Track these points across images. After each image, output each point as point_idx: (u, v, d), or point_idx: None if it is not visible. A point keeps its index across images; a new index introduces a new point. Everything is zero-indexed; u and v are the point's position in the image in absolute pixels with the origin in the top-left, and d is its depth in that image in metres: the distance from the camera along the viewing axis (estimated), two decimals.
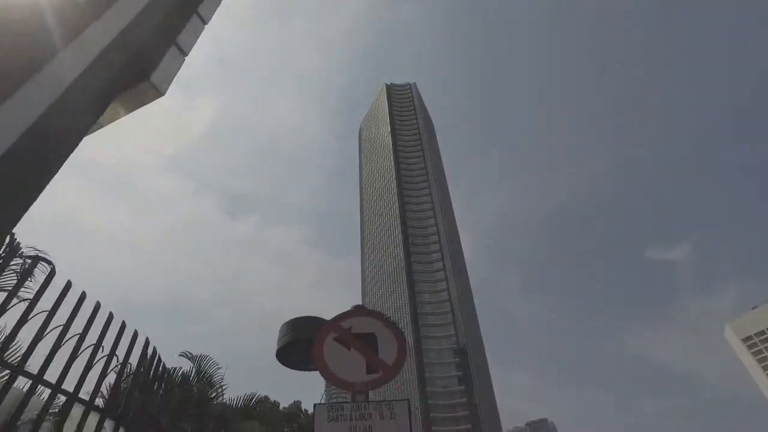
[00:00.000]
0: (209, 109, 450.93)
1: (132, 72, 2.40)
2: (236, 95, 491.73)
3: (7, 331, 3.76)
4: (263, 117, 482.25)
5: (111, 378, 4.64)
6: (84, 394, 4.14)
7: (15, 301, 3.82)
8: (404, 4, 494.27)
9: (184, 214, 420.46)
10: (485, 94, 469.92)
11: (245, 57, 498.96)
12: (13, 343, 3.81)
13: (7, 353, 3.76)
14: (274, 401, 47.34)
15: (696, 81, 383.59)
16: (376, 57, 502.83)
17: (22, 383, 3.69)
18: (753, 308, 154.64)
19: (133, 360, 4.99)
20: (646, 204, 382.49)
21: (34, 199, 1.85)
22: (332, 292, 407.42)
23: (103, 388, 4.59)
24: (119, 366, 4.72)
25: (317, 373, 3.73)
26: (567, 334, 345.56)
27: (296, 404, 50.92)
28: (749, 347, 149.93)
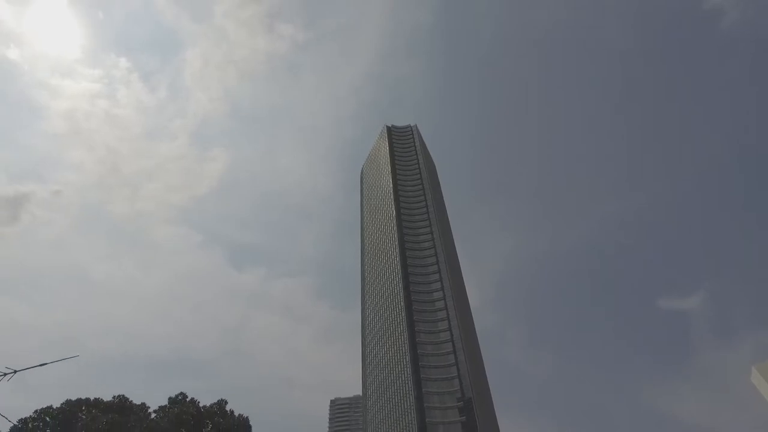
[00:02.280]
0: (221, 160, 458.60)
1: None
2: (247, 147, 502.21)
3: None
4: (272, 168, 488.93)
5: None
6: None
7: None
8: (409, 59, 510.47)
9: (190, 265, 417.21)
10: (490, 139, 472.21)
11: (256, 110, 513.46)
12: None
13: None
14: (192, 399, 40.43)
15: (704, 122, 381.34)
16: (381, 107, 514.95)
17: None
18: None
19: None
20: (656, 251, 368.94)
21: None
22: (336, 345, 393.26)
23: None
24: None
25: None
26: (579, 387, 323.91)
27: (220, 403, 43.90)
28: None
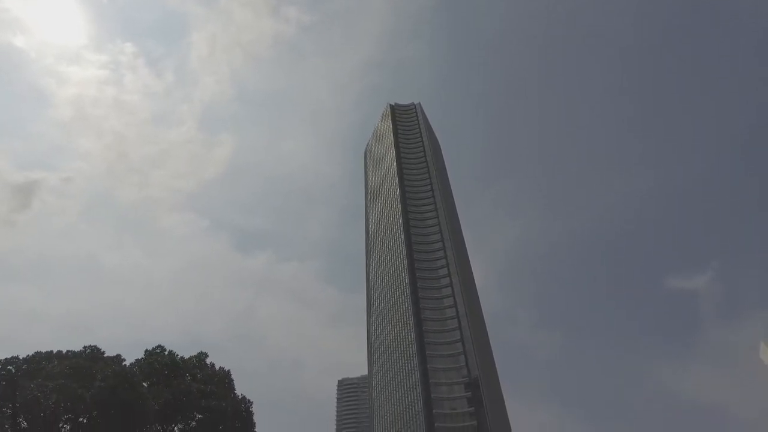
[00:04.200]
0: (227, 145, 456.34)
1: None
2: (252, 131, 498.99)
3: None
4: (277, 153, 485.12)
5: None
6: None
7: None
8: (413, 42, 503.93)
9: (197, 251, 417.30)
10: (494, 124, 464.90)
11: (262, 94, 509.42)
12: None
13: None
14: (171, 351, 38.61)
15: (712, 101, 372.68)
16: (385, 90, 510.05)
17: None
18: None
19: None
20: (663, 231, 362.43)
21: None
22: (344, 328, 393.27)
23: None
24: None
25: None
26: (586, 366, 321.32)
27: (200, 356, 42.09)
28: None
